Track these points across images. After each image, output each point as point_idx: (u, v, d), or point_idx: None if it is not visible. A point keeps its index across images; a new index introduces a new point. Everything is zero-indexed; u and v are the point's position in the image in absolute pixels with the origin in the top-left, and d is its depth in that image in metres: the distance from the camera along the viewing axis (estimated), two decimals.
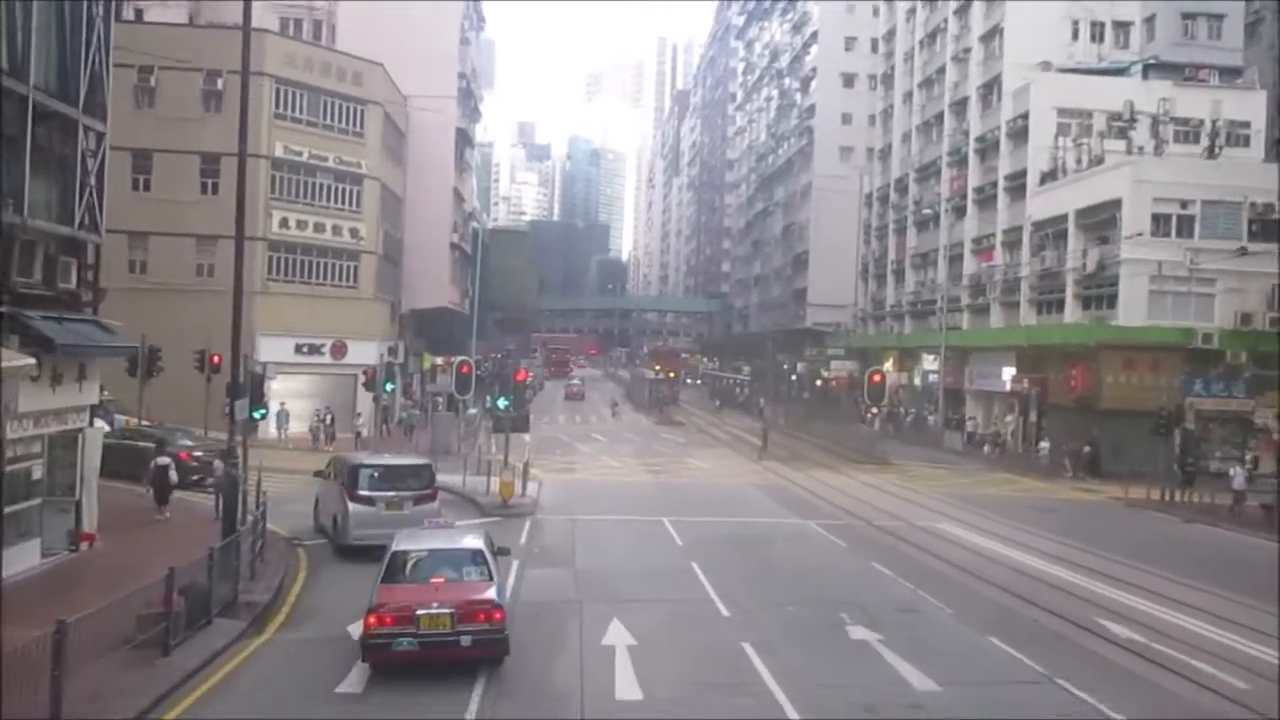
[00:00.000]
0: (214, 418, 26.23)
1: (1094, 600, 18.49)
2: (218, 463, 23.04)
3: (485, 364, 61.37)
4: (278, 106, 42.05)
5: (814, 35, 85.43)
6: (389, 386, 39.76)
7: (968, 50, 59.38)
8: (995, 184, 54.97)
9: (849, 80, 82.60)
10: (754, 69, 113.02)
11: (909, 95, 69.17)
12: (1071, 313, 46.30)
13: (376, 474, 20.69)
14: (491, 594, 13.19)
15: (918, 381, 63.09)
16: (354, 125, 45.03)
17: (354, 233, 45.05)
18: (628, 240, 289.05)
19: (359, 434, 39.57)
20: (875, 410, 43.71)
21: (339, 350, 43.84)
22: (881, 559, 21.54)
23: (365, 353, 44.18)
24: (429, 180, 54.18)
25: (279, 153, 42.03)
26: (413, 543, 14.22)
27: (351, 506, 20.01)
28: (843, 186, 76.16)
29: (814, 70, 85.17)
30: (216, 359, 33.11)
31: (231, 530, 17.01)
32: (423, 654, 12.55)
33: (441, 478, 30.69)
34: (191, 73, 40.28)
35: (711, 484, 35.01)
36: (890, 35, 73.85)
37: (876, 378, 41.85)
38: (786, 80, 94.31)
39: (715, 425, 60.95)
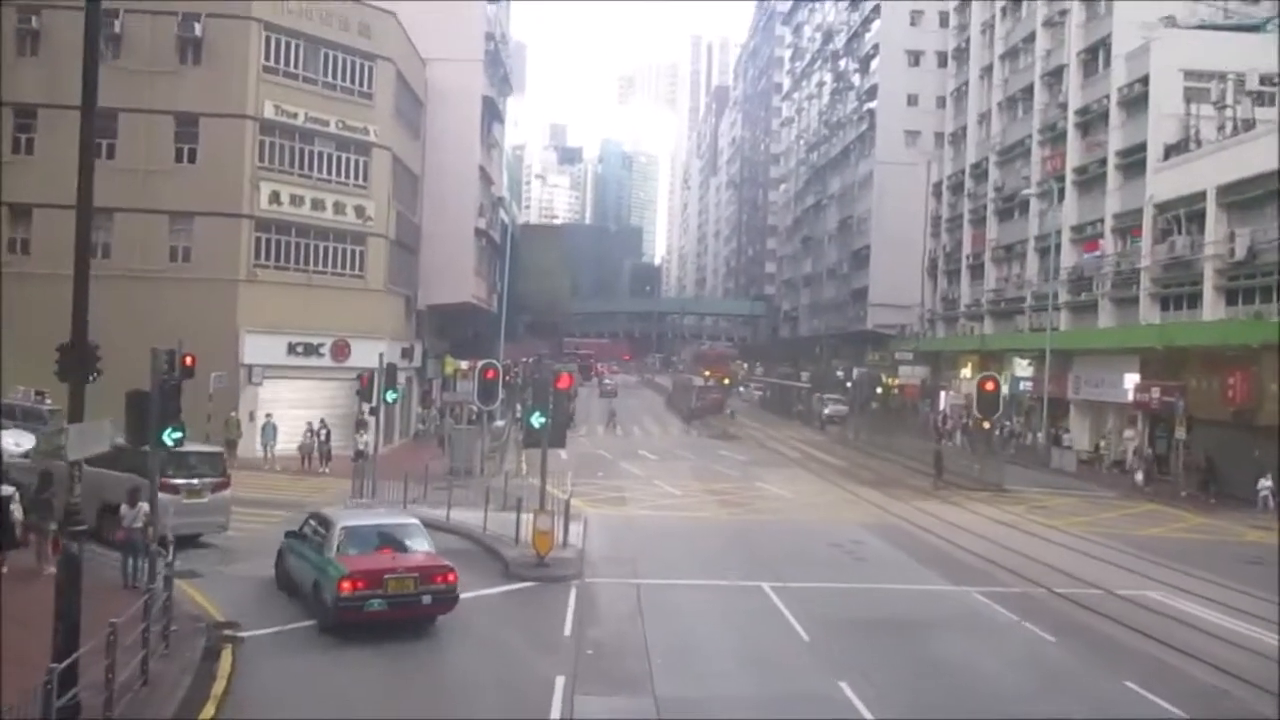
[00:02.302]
0: (194, 430, 19.52)
1: None
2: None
3: (514, 369, 54.78)
4: (268, 58, 34.94)
5: (875, 9, 77.77)
6: (391, 395, 32.51)
7: (1064, 13, 51.77)
8: (1103, 162, 47.33)
9: (915, 58, 74.86)
10: (803, 54, 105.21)
11: (987, 70, 61.68)
12: (1212, 308, 38.72)
13: (176, 462, 19.39)
14: (443, 559, 15.07)
15: (1005, 390, 55.19)
16: (361, 84, 37.93)
17: (360, 211, 37.98)
18: (661, 244, 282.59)
19: (359, 452, 32.35)
20: (988, 424, 36.20)
21: (341, 351, 36.97)
22: (1131, 672, 13.75)
23: (374, 354, 37.26)
24: (451, 157, 47.05)
25: (269, 113, 34.95)
26: (358, 519, 16.06)
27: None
28: (908, 175, 68.87)
29: (875, 48, 77.46)
30: (189, 360, 26.21)
31: (70, 648, 9.79)
32: (390, 612, 14.08)
33: (457, 514, 23.72)
34: (164, 16, 33.55)
35: (804, 521, 27.42)
36: (964, 4, 66.35)
37: (990, 385, 35.24)
38: (843, 62, 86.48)
39: (777, 439, 53.38)
